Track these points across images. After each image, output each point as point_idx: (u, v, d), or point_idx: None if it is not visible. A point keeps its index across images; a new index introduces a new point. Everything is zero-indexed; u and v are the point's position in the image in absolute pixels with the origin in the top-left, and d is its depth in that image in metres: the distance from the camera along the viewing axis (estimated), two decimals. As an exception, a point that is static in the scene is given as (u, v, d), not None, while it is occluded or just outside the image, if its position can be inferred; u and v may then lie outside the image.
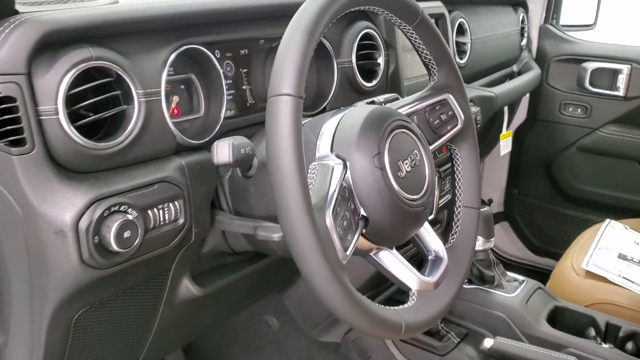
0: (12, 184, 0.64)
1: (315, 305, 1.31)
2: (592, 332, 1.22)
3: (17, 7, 0.68)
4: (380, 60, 1.10)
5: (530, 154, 2.00)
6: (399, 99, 0.92)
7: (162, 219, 0.73)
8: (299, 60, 0.63)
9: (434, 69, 0.89)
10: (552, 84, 1.89)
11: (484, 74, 1.59)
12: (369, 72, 1.08)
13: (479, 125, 1.35)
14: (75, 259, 0.65)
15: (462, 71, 1.38)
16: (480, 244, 1.26)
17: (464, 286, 1.26)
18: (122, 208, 0.68)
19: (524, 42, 1.86)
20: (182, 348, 1.43)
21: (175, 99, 0.83)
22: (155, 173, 0.74)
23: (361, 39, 1.05)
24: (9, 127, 0.62)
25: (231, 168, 0.84)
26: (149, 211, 0.71)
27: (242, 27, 0.91)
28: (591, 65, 1.81)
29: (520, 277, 1.31)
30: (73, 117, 0.67)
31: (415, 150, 0.79)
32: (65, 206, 0.65)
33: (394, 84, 1.14)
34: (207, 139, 0.83)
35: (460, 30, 1.44)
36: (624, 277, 1.35)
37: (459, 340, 1.22)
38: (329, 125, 0.77)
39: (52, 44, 0.66)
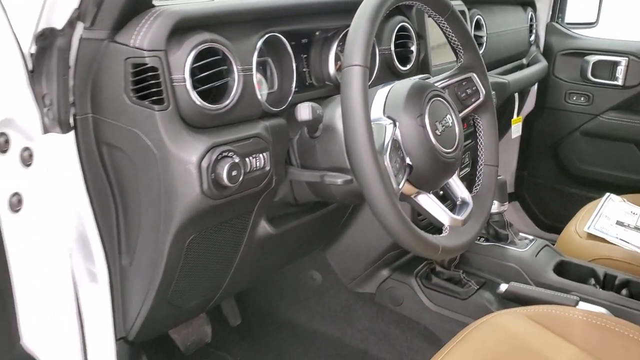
0: (152, 133, 0.86)
1: (353, 260, 1.53)
2: (593, 281, 1.42)
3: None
4: (413, 48, 1.31)
5: (539, 139, 2.20)
6: (430, 78, 1.13)
7: (255, 165, 0.95)
8: (366, 40, 0.85)
9: (461, 52, 1.10)
10: (558, 76, 2.10)
11: (498, 65, 1.80)
12: (403, 58, 1.30)
13: (494, 107, 1.56)
14: (197, 189, 0.87)
15: (479, 61, 1.59)
16: (495, 207, 1.47)
17: (482, 243, 1.48)
18: (229, 154, 0.90)
19: (533, 37, 2.07)
20: (238, 303, 1.65)
21: (258, 76, 1.05)
22: (250, 130, 0.95)
23: (398, 30, 1.27)
24: (153, 90, 0.84)
25: (301, 130, 1.06)
26: (247, 158, 0.93)
27: (304, 21, 1.12)
28: (593, 58, 2.01)
29: (530, 237, 1.52)
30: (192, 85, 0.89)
31: (448, 115, 1.01)
32: (191, 150, 0.86)
33: (424, 68, 1.36)
34: (281, 108, 1.05)
35: (478, 26, 1.66)
36: (620, 239, 1.56)
37: (478, 287, 1.43)
38: (380, 94, 0.98)
39: (180, 29, 0.88)
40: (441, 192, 1.09)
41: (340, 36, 1.14)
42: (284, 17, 1.06)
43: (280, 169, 1.04)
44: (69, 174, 0.87)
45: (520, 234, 1.53)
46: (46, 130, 0.81)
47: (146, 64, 0.84)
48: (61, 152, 0.85)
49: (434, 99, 0.98)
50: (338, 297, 1.58)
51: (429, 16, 1.05)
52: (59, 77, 0.83)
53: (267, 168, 0.97)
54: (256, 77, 1.02)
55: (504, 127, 2.00)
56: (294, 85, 1.07)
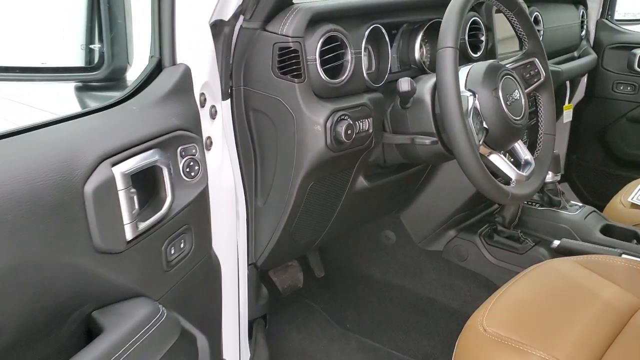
0: (292, 100, 1.13)
1: (425, 221, 1.78)
2: (635, 241, 1.64)
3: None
4: (483, 39, 1.56)
5: (587, 126, 2.41)
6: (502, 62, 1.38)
7: (362, 128, 1.21)
8: (456, 27, 1.11)
9: (525, 41, 1.35)
10: (606, 67, 2.31)
11: (553, 56, 2.02)
12: (475, 47, 1.55)
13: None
14: (323, 143, 1.14)
15: (536, 51, 1.83)
16: (550, 177, 1.71)
17: (537, 208, 1.72)
18: (345, 117, 1.17)
19: (584, 33, 2.28)
20: (322, 258, 1.92)
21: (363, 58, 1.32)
22: (359, 100, 1.22)
23: (471, 24, 1.52)
24: (294, 67, 1.12)
25: (393, 102, 1.31)
26: (357, 122, 1.20)
27: (398, 15, 1.38)
28: (639, 52, 2.23)
29: (580, 203, 1.75)
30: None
31: (516, 90, 1.25)
32: (320, 113, 1.13)
33: (491, 55, 1.60)
34: (380, 85, 1.31)
35: (536, 21, 1.89)
36: (660, 208, 1.77)
37: (534, 244, 1.67)
38: (462, 72, 1.23)
39: (313, 21, 1.15)
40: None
41: (425, 28, 1.40)
42: (383, 12, 1.32)
43: (377, 134, 1.30)
44: (228, 132, 1.16)
45: (572, 201, 1.76)
46: (224, 97, 1.10)
47: (290, 47, 1.11)
48: (224, 114, 1.13)
49: (505, 76, 1.23)
50: (410, 254, 1.84)
51: (501, 11, 1.30)
52: (222, 57, 1.12)
53: (370, 130, 1.24)
54: (363, 59, 1.29)
55: (556, 113, 2.23)
56: (389, 66, 1.33)
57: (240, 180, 1.22)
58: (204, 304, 1.11)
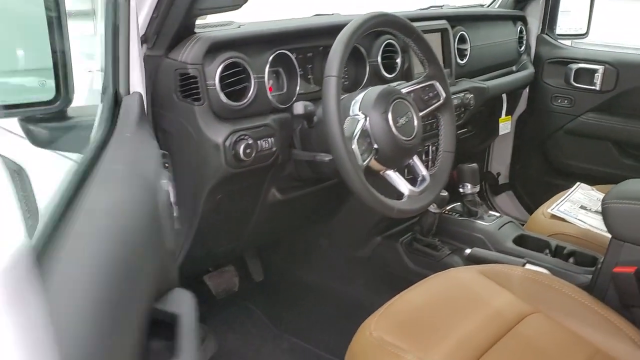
0: (192, 121, 1.24)
1: (352, 229, 1.89)
2: (547, 251, 1.72)
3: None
4: (398, 60, 1.66)
5: (529, 137, 2.50)
6: (401, 85, 1.48)
7: (264, 146, 1.32)
8: (340, 58, 1.21)
9: (426, 65, 1.45)
10: (545, 81, 2.40)
11: (485, 72, 2.12)
12: (391, 68, 1.65)
13: (472, 108, 1.89)
14: (223, 161, 1.25)
15: (463, 69, 1.94)
16: (469, 188, 1.81)
17: (456, 217, 1.82)
18: (245, 137, 1.27)
19: (523, 47, 2.38)
20: (261, 263, 2.03)
21: (270, 81, 1.42)
22: (262, 121, 1.32)
23: (385, 46, 1.62)
24: (193, 92, 1.23)
25: (301, 121, 1.42)
26: (259, 141, 1.30)
27: (308, 40, 1.49)
28: (575, 66, 2.29)
29: (498, 214, 1.85)
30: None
31: (409, 112, 1.35)
32: (218, 133, 1.24)
33: (408, 76, 1.71)
34: (287, 105, 1.41)
35: (462, 40, 1.99)
36: (577, 219, 1.86)
37: (450, 252, 1.77)
38: (359, 96, 1.34)
39: (213, 49, 1.25)
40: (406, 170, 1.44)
41: None
42: (284, 38, 1.42)
43: (285, 150, 1.40)
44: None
45: (490, 212, 1.86)
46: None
47: (189, 73, 1.22)
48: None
49: (397, 100, 1.33)
50: (341, 259, 1.94)
51: (399, 39, 1.40)
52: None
53: (274, 149, 1.34)
54: (268, 82, 1.39)
55: (494, 125, 2.33)
56: (298, 88, 1.43)
57: None
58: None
